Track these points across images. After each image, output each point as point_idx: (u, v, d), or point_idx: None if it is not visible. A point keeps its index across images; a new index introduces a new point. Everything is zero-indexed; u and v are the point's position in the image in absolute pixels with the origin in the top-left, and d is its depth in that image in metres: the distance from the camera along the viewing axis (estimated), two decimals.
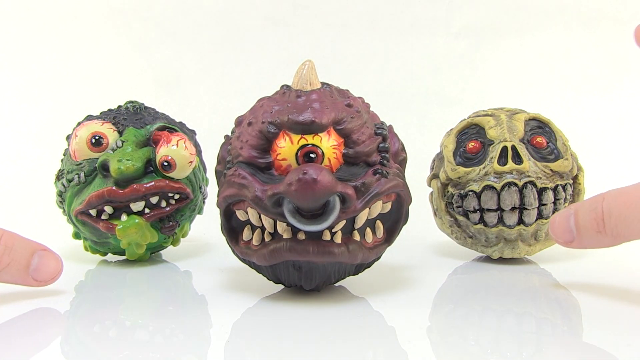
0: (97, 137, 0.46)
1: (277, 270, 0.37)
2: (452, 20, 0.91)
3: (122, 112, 0.48)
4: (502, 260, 0.49)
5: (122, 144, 0.45)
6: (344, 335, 0.32)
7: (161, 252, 0.53)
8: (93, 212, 0.45)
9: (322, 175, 0.33)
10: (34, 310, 0.36)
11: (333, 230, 0.35)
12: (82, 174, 0.45)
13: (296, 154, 0.35)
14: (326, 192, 0.33)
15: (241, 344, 0.31)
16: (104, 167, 0.44)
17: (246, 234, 0.37)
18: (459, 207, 0.48)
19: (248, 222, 0.37)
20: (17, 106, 0.90)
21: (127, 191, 0.44)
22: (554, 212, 0.46)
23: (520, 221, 0.45)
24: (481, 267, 0.48)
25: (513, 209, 0.45)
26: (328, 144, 0.35)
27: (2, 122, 0.89)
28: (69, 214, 0.47)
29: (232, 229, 0.38)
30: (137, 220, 0.45)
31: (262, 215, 0.36)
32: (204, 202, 0.52)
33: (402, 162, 0.40)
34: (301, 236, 0.35)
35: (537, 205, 0.45)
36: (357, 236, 0.36)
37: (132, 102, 0.50)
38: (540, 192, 0.45)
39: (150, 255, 0.51)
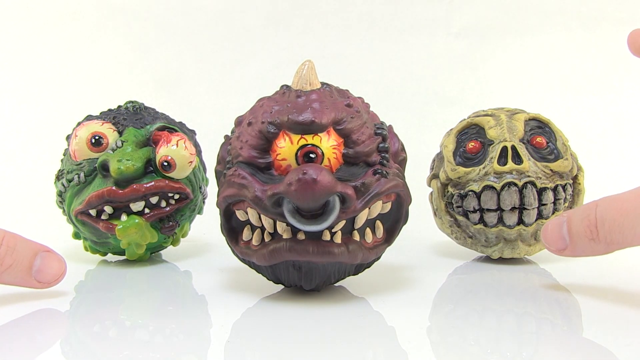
0: (97, 137, 0.46)
1: (277, 270, 0.37)
2: (452, 20, 0.91)
3: (122, 112, 0.48)
4: (502, 260, 0.49)
5: (122, 144, 0.45)
6: (344, 335, 0.32)
7: (161, 252, 0.53)
8: (93, 212, 0.45)
9: (322, 175, 0.33)
10: (33, 310, 0.36)
11: (333, 231, 0.35)
12: (82, 174, 0.45)
13: (296, 154, 0.35)
14: (326, 192, 0.33)
15: (241, 344, 0.31)
16: (104, 167, 0.44)
17: (246, 234, 0.37)
18: (459, 207, 0.48)
19: (248, 222, 0.37)
20: (17, 106, 0.91)
21: (127, 191, 0.44)
22: (554, 212, 0.46)
23: (520, 221, 0.45)
24: (481, 267, 0.48)
25: (513, 209, 0.45)
26: (328, 144, 0.35)
27: (2, 122, 0.89)
28: (69, 214, 0.47)
29: (232, 229, 0.38)
30: (137, 220, 0.45)
31: (262, 215, 0.36)
32: (204, 202, 0.52)
33: (402, 162, 0.40)
34: (301, 236, 0.35)
35: (537, 206, 0.45)
36: (357, 236, 0.36)
37: (132, 102, 0.50)
38: (540, 192, 0.45)
39: (150, 255, 0.51)
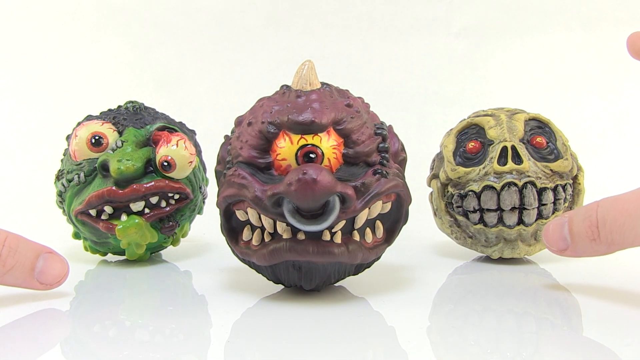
0: (97, 137, 0.46)
1: (277, 270, 0.37)
2: (452, 20, 0.91)
3: (122, 112, 0.48)
4: (502, 260, 0.49)
5: (122, 144, 0.45)
6: (344, 335, 0.32)
7: (161, 252, 0.53)
8: (93, 212, 0.45)
9: (321, 175, 0.33)
10: (33, 311, 0.36)
11: (333, 231, 0.35)
12: (82, 174, 0.45)
13: (296, 154, 0.35)
14: (326, 192, 0.33)
15: (241, 344, 0.31)
16: (104, 167, 0.44)
17: (246, 234, 0.37)
18: (459, 207, 0.48)
19: (248, 222, 0.37)
20: (17, 106, 0.90)
21: (127, 191, 0.44)
22: (554, 212, 0.46)
23: (520, 221, 0.45)
24: (481, 267, 0.48)
25: (513, 209, 0.45)
26: (328, 144, 0.35)
27: (2, 122, 0.89)
28: (69, 214, 0.47)
29: (232, 229, 0.38)
30: (137, 220, 0.45)
31: (262, 215, 0.36)
32: (203, 202, 0.52)
33: (402, 162, 0.40)
34: (301, 236, 0.35)
35: (537, 206, 0.45)
36: (357, 236, 0.36)
37: (132, 102, 0.50)
38: (540, 192, 0.45)
39: (150, 255, 0.51)
